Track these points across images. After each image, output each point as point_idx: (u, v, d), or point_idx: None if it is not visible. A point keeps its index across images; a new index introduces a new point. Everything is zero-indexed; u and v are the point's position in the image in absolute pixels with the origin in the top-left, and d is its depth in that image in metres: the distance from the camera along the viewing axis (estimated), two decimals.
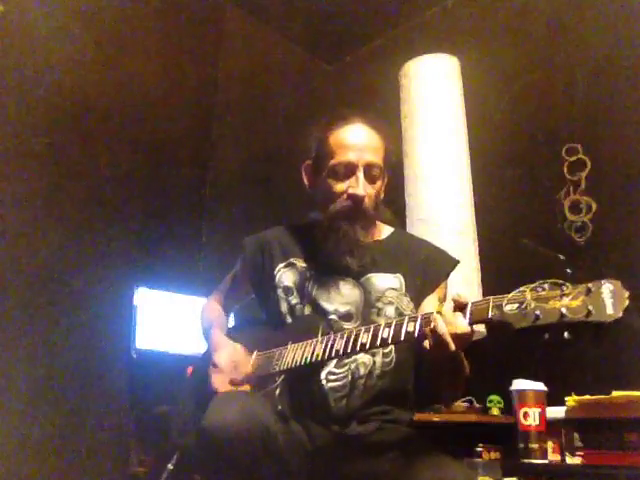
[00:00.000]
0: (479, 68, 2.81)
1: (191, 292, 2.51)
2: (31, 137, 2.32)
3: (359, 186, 1.36)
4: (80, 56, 2.53)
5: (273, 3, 3.28)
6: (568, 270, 0.99)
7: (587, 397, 1.72)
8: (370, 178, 1.38)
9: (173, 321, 2.44)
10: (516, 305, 0.96)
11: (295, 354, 1.27)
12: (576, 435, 1.73)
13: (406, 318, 1.12)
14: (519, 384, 1.83)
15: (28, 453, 2.11)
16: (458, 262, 1.44)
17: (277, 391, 1.28)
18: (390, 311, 1.35)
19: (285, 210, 2.88)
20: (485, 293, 2.39)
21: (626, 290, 0.91)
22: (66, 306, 2.30)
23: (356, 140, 1.39)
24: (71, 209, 2.40)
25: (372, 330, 1.15)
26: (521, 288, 0.98)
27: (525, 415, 1.78)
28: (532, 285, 0.97)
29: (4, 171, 2.23)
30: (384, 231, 1.52)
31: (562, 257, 1.01)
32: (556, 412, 1.78)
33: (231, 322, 1.67)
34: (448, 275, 1.45)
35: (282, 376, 1.28)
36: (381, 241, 1.49)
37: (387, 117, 2.89)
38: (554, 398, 1.81)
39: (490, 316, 0.99)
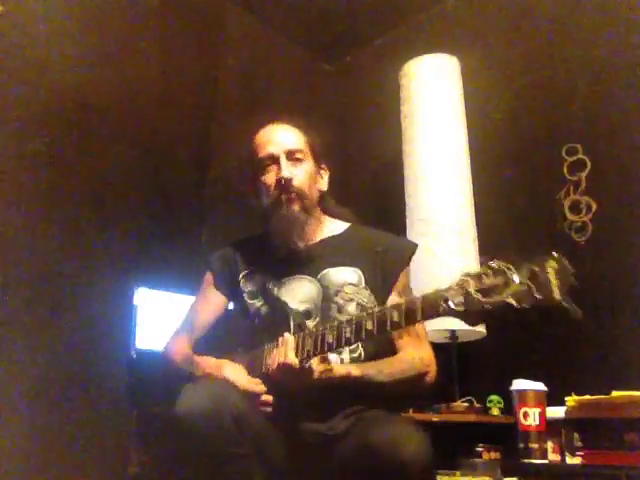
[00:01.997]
0: (479, 68, 2.81)
1: (191, 292, 2.50)
2: (31, 137, 2.32)
3: (282, 169, 1.44)
4: (80, 56, 2.52)
5: (273, 3, 3.28)
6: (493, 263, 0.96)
7: (587, 397, 1.72)
8: (295, 161, 1.47)
9: (173, 321, 2.43)
10: (462, 298, 0.94)
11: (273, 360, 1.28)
12: (576, 435, 1.72)
13: (365, 314, 1.15)
14: (519, 384, 1.83)
15: (28, 453, 2.11)
16: (416, 246, 1.46)
17: None
18: (351, 308, 1.38)
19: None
20: None
21: (570, 267, 0.87)
22: (66, 306, 2.30)
23: (272, 134, 1.51)
24: (71, 209, 2.40)
25: (336, 330, 1.17)
26: (464, 275, 0.96)
27: (525, 415, 1.77)
28: (474, 272, 0.94)
29: (4, 171, 2.23)
30: (340, 226, 1.55)
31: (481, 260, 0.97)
32: (556, 412, 1.78)
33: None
34: (407, 261, 1.46)
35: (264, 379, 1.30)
36: (337, 236, 1.52)
37: (387, 117, 2.90)
38: (554, 398, 1.81)
39: (440, 312, 1.00)
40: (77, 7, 2.54)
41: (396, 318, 1.07)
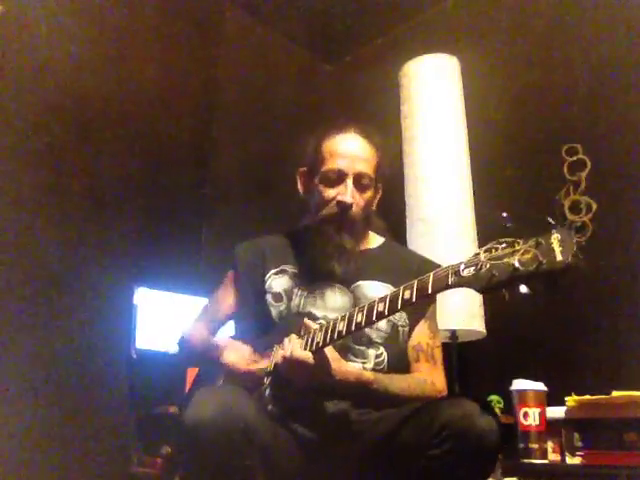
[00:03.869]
0: (479, 68, 2.81)
1: (191, 292, 2.51)
2: (31, 137, 2.32)
3: (347, 193, 1.39)
4: (80, 56, 2.53)
5: (273, 3, 3.28)
6: (508, 225, 1.01)
7: (587, 397, 1.72)
8: (360, 187, 1.42)
9: (173, 321, 2.44)
10: (472, 268, 0.99)
11: (279, 353, 1.28)
12: (576, 435, 1.72)
13: (377, 299, 1.15)
14: (519, 384, 1.83)
15: (28, 453, 2.11)
16: None
17: (267, 392, 1.29)
18: (382, 323, 1.36)
19: (285, 210, 2.87)
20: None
21: (574, 236, 0.94)
22: (66, 306, 2.30)
23: (348, 148, 1.44)
24: (71, 209, 2.40)
25: (347, 317, 1.18)
26: (476, 251, 1.00)
27: (525, 415, 1.77)
28: (486, 246, 1.00)
29: (4, 171, 2.23)
30: (375, 241, 1.54)
31: (504, 214, 1.03)
32: (556, 412, 1.78)
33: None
34: None
35: (270, 377, 1.30)
36: (372, 249, 1.51)
37: (387, 117, 2.90)
38: (554, 398, 1.81)
39: (450, 282, 1.02)
40: (77, 7, 2.54)
41: (407, 295, 1.08)
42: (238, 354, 1.33)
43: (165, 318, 2.43)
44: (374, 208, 1.52)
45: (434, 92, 2.60)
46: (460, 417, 1.06)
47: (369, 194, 1.45)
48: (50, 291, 2.28)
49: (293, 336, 1.23)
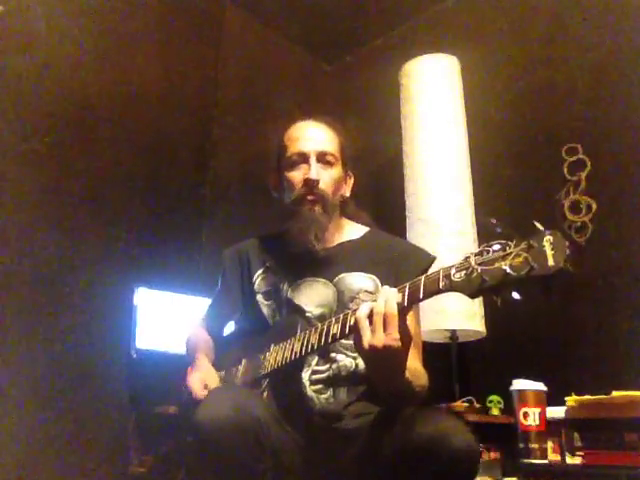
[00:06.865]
0: (479, 68, 2.81)
1: (191, 292, 2.51)
2: (31, 137, 2.32)
3: (311, 171, 1.41)
4: (80, 56, 2.53)
5: (273, 3, 3.28)
6: (499, 230, 0.99)
7: (587, 397, 1.72)
8: (324, 164, 1.44)
9: (173, 321, 2.44)
10: (463, 272, 0.98)
11: (277, 355, 1.29)
12: (576, 435, 1.73)
13: (369, 301, 1.12)
14: (519, 384, 1.83)
15: (28, 453, 2.11)
16: (434, 258, 1.41)
17: (264, 394, 1.29)
18: None
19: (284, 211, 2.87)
20: None
21: (566, 240, 0.90)
22: (66, 306, 2.30)
23: (306, 131, 1.47)
24: (71, 209, 2.40)
25: (341, 320, 1.17)
26: (467, 254, 0.99)
27: (525, 415, 1.78)
28: (477, 250, 0.98)
29: (4, 171, 2.23)
30: (358, 231, 1.52)
31: (493, 220, 1.01)
32: (556, 412, 1.78)
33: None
34: (424, 272, 1.36)
35: (267, 379, 1.30)
36: (354, 241, 1.49)
37: (387, 117, 2.91)
38: (554, 398, 1.81)
39: (441, 287, 1.00)
40: (77, 7, 2.54)
41: (399, 299, 1.06)
42: (196, 378, 1.33)
43: (165, 318, 2.44)
44: (348, 195, 1.52)
45: (434, 92, 2.61)
46: (434, 438, 1.01)
47: (336, 172, 1.45)
48: (50, 291, 2.28)
49: (386, 287, 1.12)
